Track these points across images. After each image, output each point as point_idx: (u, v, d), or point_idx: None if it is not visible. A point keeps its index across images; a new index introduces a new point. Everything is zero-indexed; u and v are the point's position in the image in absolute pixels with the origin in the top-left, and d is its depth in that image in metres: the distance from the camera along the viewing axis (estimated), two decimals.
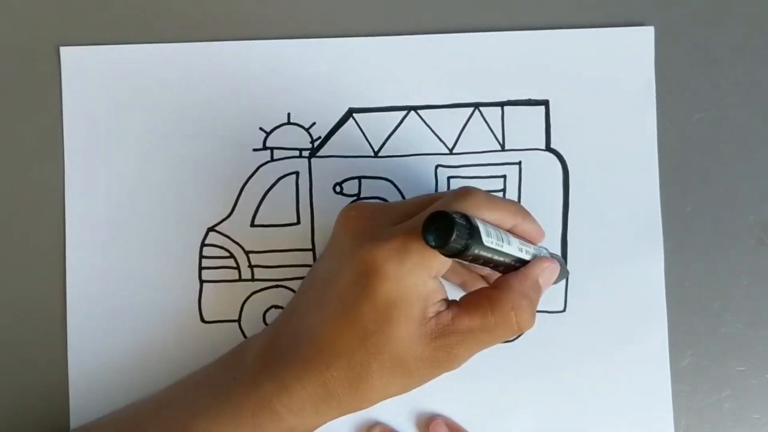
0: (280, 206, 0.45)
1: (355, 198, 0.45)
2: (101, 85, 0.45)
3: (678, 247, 0.44)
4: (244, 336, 0.44)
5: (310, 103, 0.45)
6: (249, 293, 0.44)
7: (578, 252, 0.44)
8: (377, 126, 0.45)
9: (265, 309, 0.44)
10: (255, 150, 0.45)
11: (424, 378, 0.37)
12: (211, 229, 0.44)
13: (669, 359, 0.44)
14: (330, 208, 0.45)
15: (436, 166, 0.45)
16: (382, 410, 0.44)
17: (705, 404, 0.44)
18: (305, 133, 0.45)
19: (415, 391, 0.43)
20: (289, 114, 0.45)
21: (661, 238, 0.44)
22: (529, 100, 0.45)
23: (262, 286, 0.44)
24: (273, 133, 0.45)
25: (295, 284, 0.44)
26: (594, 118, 0.45)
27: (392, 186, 0.45)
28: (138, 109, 0.45)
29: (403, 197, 0.45)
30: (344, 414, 0.38)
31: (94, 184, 0.44)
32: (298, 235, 0.45)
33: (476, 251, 0.33)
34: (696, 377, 0.44)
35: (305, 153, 0.45)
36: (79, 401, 0.44)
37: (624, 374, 0.44)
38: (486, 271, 0.38)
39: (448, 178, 0.45)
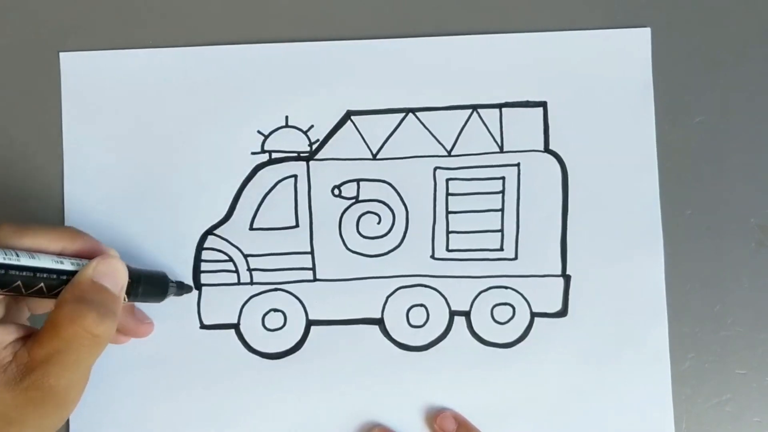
0: (278, 209, 0.45)
1: (354, 201, 0.45)
2: (100, 90, 0.45)
3: (678, 250, 0.44)
4: (243, 339, 0.44)
5: (308, 106, 0.45)
6: (248, 297, 0.44)
7: (578, 254, 0.44)
8: (375, 128, 0.45)
9: (264, 312, 0.44)
10: (253, 153, 0.45)
11: (42, 421, 0.35)
12: (209, 232, 0.45)
13: (669, 362, 0.44)
14: (329, 211, 0.45)
15: (435, 168, 0.45)
16: (386, 411, 0.44)
17: (705, 407, 0.44)
18: (303, 135, 0.45)
19: (418, 392, 0.43)
20: (287, 117, 0.45)
21: (661, 241, 0.44)
22: (528, 101, 0.45)
23: (261, 290, 0.44)
24: (271, 136, 0.45)
25: (293, 287, 0.44)
26: (592, 120, 0.44)
27: (391, 188, 0.45)
28: (137, 113, 0.45)
29: (402, 199, 0.45)
30: None
31: (93, 188, 0.45)
32: (297, 238, 0.45)
33: None
34: (696, 380, 0.44)
35: (303, 156, 0.45)
36: (79, 405, 0.44)
37: (624, 377, 0.44)
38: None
39: (447, 180, 0.45)
